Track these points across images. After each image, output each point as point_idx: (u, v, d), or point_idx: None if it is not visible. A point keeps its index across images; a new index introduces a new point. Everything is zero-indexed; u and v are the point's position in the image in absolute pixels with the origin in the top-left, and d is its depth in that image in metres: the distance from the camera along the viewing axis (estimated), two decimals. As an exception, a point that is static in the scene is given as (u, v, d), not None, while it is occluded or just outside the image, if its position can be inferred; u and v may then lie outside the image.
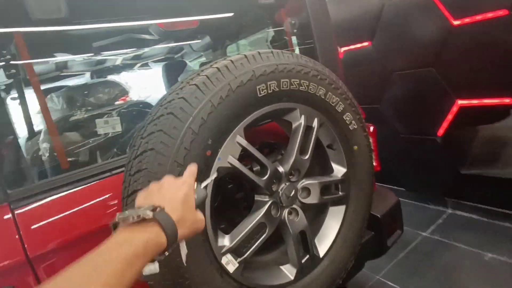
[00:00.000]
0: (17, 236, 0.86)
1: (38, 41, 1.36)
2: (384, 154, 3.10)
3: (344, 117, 1.09)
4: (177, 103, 0.78)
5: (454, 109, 2.50)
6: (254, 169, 0.99)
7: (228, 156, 0.85)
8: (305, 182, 1.05)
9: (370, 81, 3.04)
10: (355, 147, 1.14)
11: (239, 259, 0.90)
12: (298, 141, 0.99)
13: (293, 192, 1.01)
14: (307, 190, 1.06)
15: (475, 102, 2.37)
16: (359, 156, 1.16)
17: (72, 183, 0.98)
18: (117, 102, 1.81)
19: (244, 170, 0.88)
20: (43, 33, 1.23)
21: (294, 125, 1.01)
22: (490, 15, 2.09)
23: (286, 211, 1.01)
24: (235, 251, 0.90)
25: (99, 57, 2.33)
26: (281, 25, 1.61)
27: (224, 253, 0.88)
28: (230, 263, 0.88)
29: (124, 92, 1.75)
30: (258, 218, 0.92)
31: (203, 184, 0.70)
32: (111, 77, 2.64)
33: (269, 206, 0.95)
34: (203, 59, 2.71)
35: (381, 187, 1.82)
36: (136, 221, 0.51)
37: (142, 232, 0.51)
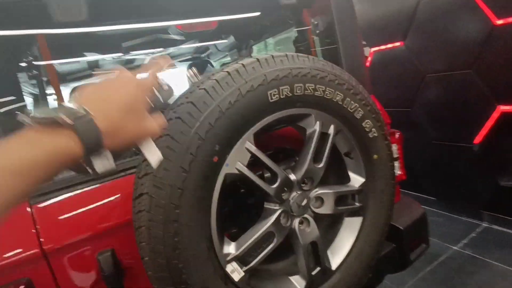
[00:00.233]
0: (33, 230, 0.90)
1: (62, 42, 1.41)
2: (414, 161, 2.95)
3: (363, 124, 1.03)
4: (185, 108, 0.77)
5: (495, 115, 2.32)
6: (265, 176, 0.97)
7: (236, 163, 0.83)
8: (318, 191, 1.00)
9: (401, 83, 2.89)
10: (375, 156, 1.08)
11: (245, 268, 0.88)
12: (312, 148, 0.95)
13: (305, 201, 0.97)
14: (320, 199, 1.01)
15: (518, 108, 2.19)
16: (379, 165, 1.10)
17: (88, 182, 1.01)
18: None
19: (253, 177, 0.86)
20: (67, 34, 1.27)
21: (308, 132, 0.97)
22: (538, 14, 1.90)
23: (297, 221, 0.97)
24: (241, 259, 0.88)
25: (127, 57, 2.41)
26: (304, 26, 1.56)
27: (230, 261, 0.86)
28: (236, 272, 0.87)
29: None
30: (266, 226, 0.89)
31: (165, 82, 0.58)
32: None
33: (279, 215, 0.92)
34: (227, 59, 2.71)
35: (406, 197, 1.72)
36: (49, 123, 0.44)
37: (50, 139, 0.43)
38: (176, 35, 1.74)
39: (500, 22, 2.08)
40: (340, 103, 0.97)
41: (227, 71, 0.80)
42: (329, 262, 1.06)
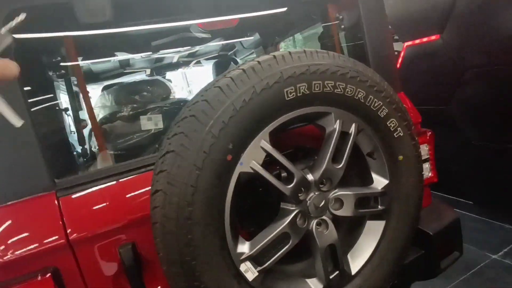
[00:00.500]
0: (60, 222, 0.95)
1: (94, 43, 1.48)
2: (450, 162, 2.77)
3: (388, 123, 0.98)
4: (200, 105, 0.77)
5: (544, 114, 2.11)
6: (282, 175, 0.95)
7: (251, 161, 0.82)
8: (337, 192, 0.97)
9: (437, 80, 2.72)
10: (400, 157, 1.02)
11: (259, 268, 0.87)
12: (331, 148, 0.92)
13: (323, 203, 0.94)
14: (339, 201, 0.98)
15: None
16: (404, 167, 1.03)
17: (113, 176, 1.04)
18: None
19: (267, 176, 0.84)
20: (99, 35, 1.32)
21: (327, 131, 0.94)
22: None
23: (314, 222, 0.94)
24: (256, 259, 0.87)
25: (156, 56, 2.48)
26: (329, 21, 1.51)
27: (243, 260, 0.85)
28: (249, 271, 0.86)
29: (169, 90, 1.83)
30: (281, 227, 0.88)
31: (4, 29, 0.55)
32: (169, 75, 2.79)
33: (295, 216, 0.90)
34: (253, 57, 2.71)
35: (438, 200, 1.62)
36: None
37: None
38: (201, 33, 1.76)
39: (551, 11, 1.89)
40: (362, 101, 0.93)
41: (242, 69, 0.79)
42: (348, 267, 1.02)
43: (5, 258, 0.87)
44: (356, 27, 1.43)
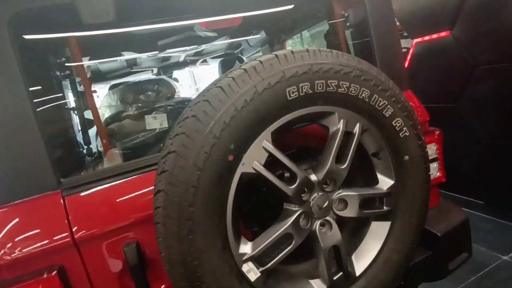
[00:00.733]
0: (66, 221, 0.96)
1: (101, 42, 1.49)
2: (460, 162, 2.72)
3: (393, 122, 0.96)
4: (201, 106, 0.77)
5: (557, 112, 2.05)
6: (286, 175, 0.94)
7: (253, 162, 0.82)
8: (341, 193, 0.95)
9: (447, 77, 2.66)
10: (406, 157, 1.00)
11: (261, 269, 0.87)
12: (334, 148, 0.91)
13: (326, 203, 0.93)
14: (344, 201, 0.97)
15: None
16: (411, 167, 1.02)
17: (117, 175, 1.05)
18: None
19: (270, 176, 0.84)
20: (105, 34, 1.33)
21: (331, 131, 0.92)
22: None
23: (317, 223, 0.94)
24: (258, 259, 0.87)
25: (163, 55, 2.49)
26: (335, 19, 1.49)
27: (246, 261, 0.85)
28: (252, 272, 0.86)
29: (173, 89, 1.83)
30: (284, 228, 0.87)
31: None
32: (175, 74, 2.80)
33: (298, 216, 0.89)
34: (259, 55, 2.70)
35: (446, 200, 1.59)
36: None
37: None
38: (206, 32, 1.75)
39: None
40: (367, 100, 0.91)
41: (244, 68, 0.79)
42: (352, 268, 1.01)
43: (11, 256, 0.88)
44: (362, 25, 1.40)
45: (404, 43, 2.50)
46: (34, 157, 0.94)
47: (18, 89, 0.90)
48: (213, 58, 2.81)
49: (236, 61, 2.44)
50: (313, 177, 0.91)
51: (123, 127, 1.49)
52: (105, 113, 1.64)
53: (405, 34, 2.96)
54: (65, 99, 1.42)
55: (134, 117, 1.50)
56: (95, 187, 1.02)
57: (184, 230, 0.75)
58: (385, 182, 1.02)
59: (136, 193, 1.06)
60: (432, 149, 1.41)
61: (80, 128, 1.41)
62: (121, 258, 1.02)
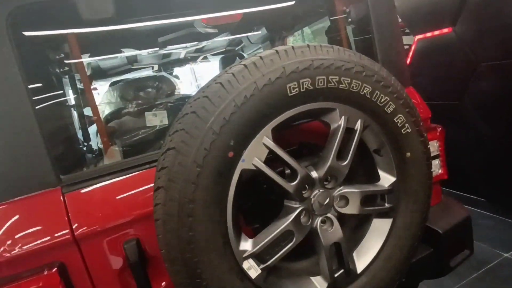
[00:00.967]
0: (66, 218, 0.96)
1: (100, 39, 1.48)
2: (462, 159, 2.70)
3: (395, 119, 0.95)
4: (201, 102, 0.76)
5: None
6: (286, 172, 0.93)
7: (253, 158, 0.81)
8: (343, 190, 0.95)
9: (449, 74, 2.65)
10: (408, 154, 0.99)
11: (262, 266, 0.86)
12: (335, 145, 0.90)
13: (327, 200, 0.92)
14: (345, 198, 0.96)
15: None
16: (412, 164, 1.01)
17: (118, 172, 1.05)
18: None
19: (270, 173, 0.83)
20: (104, 31, 1.32)
21: (332, 127, 0.92)
22: None
23: (318, 220, 0.93)
24: (259, 256, 0.86)
25: (163, 52, 2.48)
26: (336, 15, 1.48)
27: (246, 258, 0.84)
28: (252, 269, 0.85)
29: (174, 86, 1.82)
30: (284, 225, 0.87)
31: None
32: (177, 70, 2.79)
33: (298, 213, 0.89)
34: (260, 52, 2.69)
35: (448, 197, 1.58)
36: None
37: None
38: (207, 28, 1.74)
39: None
40: (368, 96, 0.90)
41: (243, 64, 0.78)
42: (354, 265, 1.00)
43: (11, 253, 0.88)
44: (363, 21, 1.39)
45: (406, 39, 2.48)
46: (33, 154, 0.93)
47: (17, 86, 0.90)
48: (213, 55, 2.79)
49: (237, 58, 2.43)
50: (314, 174, 0.90)
51: (123, 124, 1.49)
52: (105, 110, 1.63)
53: (407, 30, 2.94)
54: (65, 96, 1.41)
55: (134, 114, 1.49)
56: (95, 184, 1.02)
57: (184, 227, 0.75)
58: (386, 179, 1.01)
59: (136, 190, 1.05)
60: (434, 146, 1.40)
61: (80, 125, 1.41)
62: (122, 255, 1.02)
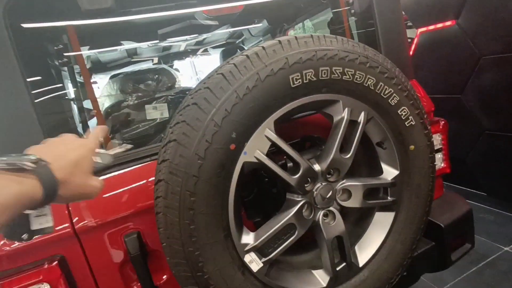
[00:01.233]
0: (66, 211, 0.95)
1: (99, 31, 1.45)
2: (463, 152, 2.70)
3: (399, 111, 0.94)
4: (202, 93, 0.75)
5: None
6: (289, 165, 0.92)
7: (255, 151, 0.80)
8: (345, 183, 0.94)
9: (452, 67, 2.62)
10: (412, 147, 0.98)
11: (264, 259, 0.86)
12: (338, 137, 0.89)
13: (330, 193, 0.91)
14: (347, 192, 0.95)
15: None
16: (416, 157, 1.00)
17: (118, 165, 1.03)
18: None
19: (272, 166, 0.82)
20: (103, 23, 1.30)
21: (335, 119, 0.90)
22: None
23: (321, 213, 0.92)
24: (261, 250, 0.86)
25: (163, 45, 2.45)
26: (339, 7, 1.46)
27: (248, 251, 0.84)
28: (254, 262, 0.85)
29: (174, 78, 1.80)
30: (286, 218, 0.86)
31: (112, 151, 0.65)
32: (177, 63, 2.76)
33: (301, 207, 0.88)
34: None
35: (450, 191, 1.58)
36: (15, 169, 0.47)
37: (17, 183, 0.46)
38: (207, 20, 1.72)
39: None
40: (372, 88, 0.89)
41: (246, 55, 0.76)
42: (356, 258, 1.00)
43: (12, 246, 0.87)
44: (367, 12, 1.37)
45: (408, 33, 2.46)
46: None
47: (15, 79, 0.88)
48: (214, 48, 2.76)
49: (238, 51, 2.40)
50: (317, 167, 0.89)
51: (124, 117, 1.47)
52: (104, 103, 1.61)
53: (410, 23, 2.90)
54: (64, 90, 1.39)
55: (134, 107, 1.47)
56: (96, 176, 1.01)
57: (185, 220, 0.74)
58: (389, 172, 1.00)
59: (137, 183, 1.04)
60: (437, 140, 1.39)
61: (80, 119, 1.39)
62: (122, 248, 1.01)
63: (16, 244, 0.88)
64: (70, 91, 1.51)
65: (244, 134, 0.77)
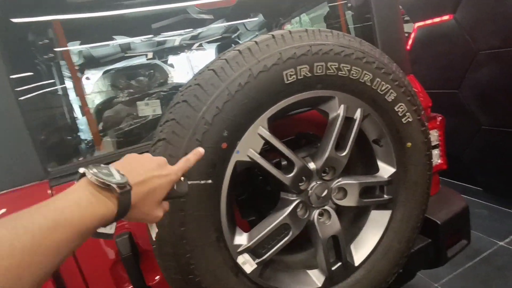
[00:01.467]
0: (54, 212, 0.92)
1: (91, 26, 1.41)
2: (459, 148, 2.69)
3: (396, 108, 0.92)
4: (192, 90, 0.72)
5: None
6: (283, 164, 0.90)
7: (248, 150, 0.77)
8: (341, 181, 0.92)
9: (449, 62, 2.60)
10: (409, 144, 0.96)
11: (257, 260, 0.84)
12: (334, 135, 0.86)
13: (325, 192, 0.89)
14: (343, 190, 0.93)
15: None
16: (413, 154, 0.98)
17: (108, 164, 1.00)
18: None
19: (266, 165, 0.80)
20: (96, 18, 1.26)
21: (331, 116, 0.88)
22: None
23: (316, 213, 0.90)
24: (254, 251, 0.84)
25: (157, 39, 2.40)
26: (335, 1, 1.42)
27: (241, 252, 0.82)
28: (248, 263, 0.83)
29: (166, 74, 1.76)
30: (280, 218, 0.84)
31: (190, 182, 0.64)
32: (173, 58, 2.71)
33: (295, 206, 0.86)
34: (256, 38, 2.62)
35: (446, 188, 1.56)
36: (102, 187, 0.48)
37: (103, 205, 0.47)
38: (201, 14, 1.68)
39: None
40: (369, 84, 0.86)
41: (238, 50, 0.73)
42: (351, 258, 0.98)
43: (-3, 248, 0.84)
44: (364, 7, 1.34)
45: (405, 27, 2.43)
46: (19, 146, 0.89)
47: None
48: (209, 42, 2.72)
49: (233, 45, 2.37)
50: (312, 165, 0.87)
51: (115, 114, 1.44)
52: (95, 100, 1.57)
53: (407, 18, 2.87)
54: (53, 86, 1.35)
55: (126, 103, 1.44)
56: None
57: (175, 221, 0.72)
58: (386, 170, 0.98)
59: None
60: (434, 136, 1.38)
61: (69, 116, 1.36)
62: (114, 249, 0.99)
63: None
64: (58, 87, 1.47)
65: (236, 132, 0.74)
